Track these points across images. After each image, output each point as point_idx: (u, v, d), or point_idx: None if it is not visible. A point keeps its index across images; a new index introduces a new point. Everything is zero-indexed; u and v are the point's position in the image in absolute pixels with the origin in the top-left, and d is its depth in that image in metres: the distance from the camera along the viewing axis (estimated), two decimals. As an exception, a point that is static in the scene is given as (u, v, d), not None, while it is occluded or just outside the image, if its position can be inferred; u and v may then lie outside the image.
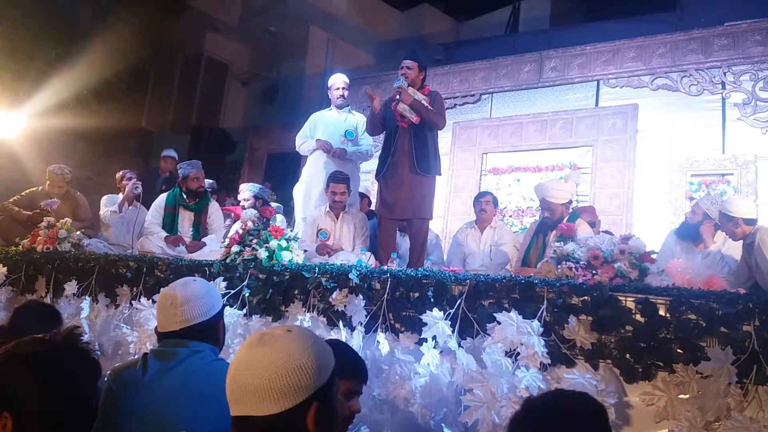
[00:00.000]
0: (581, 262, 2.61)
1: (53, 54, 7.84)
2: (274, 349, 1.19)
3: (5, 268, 4.54)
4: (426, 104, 4.26)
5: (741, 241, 3.91)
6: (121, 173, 5.85)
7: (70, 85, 7.79)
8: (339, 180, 4.61)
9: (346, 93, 5.16)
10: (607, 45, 6.83)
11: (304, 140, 5.21)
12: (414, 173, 4.22)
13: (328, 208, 4.69)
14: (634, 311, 2.33)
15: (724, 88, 6.07)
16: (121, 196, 5.66)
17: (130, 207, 5.54)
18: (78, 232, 4.69)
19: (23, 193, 5.62)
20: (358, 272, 3.06)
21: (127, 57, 8.54)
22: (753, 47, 6.00)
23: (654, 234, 4.98)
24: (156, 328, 2.05)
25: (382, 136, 4.57)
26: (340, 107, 5.16)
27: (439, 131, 4.49)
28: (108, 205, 5.61)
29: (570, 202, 4.22)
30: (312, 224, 4.73)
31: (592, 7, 10.05)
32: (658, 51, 6.51)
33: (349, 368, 1.94)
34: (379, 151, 4.55)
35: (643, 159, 6.32)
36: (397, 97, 4.26)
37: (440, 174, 4.44)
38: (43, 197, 5.44)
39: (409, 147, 4.23)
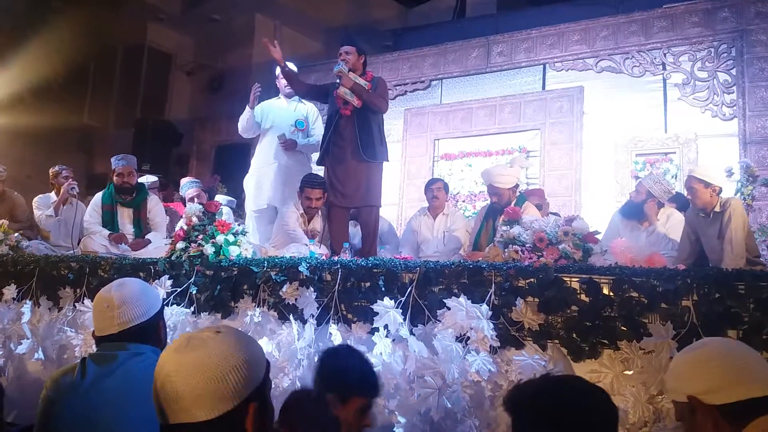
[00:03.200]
0: (527, 245, 2.63)
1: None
2: (204, 353, 1.14)
3: (-63, 275, 4.30)
4: (367, 88, 4.23)
5: (683, 218, 4.02)
6: (56, 169, 5.47)
7: (6, 82, 7.47)
8: (315, 185, 4.34)
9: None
10: (551, 29, 6.91)
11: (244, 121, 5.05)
12: (360, 160, 4.18)
13: (302, 211, 4.46)
14: (578, 291, 2.37)
15: (664, 69, 6.23)
16: (53, 194, 5.38)
17: (65, 206, 5.23)
18: (16, 234, 4.48)
19: (-44, 195, 5.34)
20: (308, 264, 3.02)
21: (64, 51, 8.20)
22: (691, 28, 6.16)
23: (602, 214, 5.10)
24: (93, 332, 1.98)
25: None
26: (288, 96, 5.07)
27: (385, 117, 4.46)
28: (41, 207, 5.21)
29: (517, 186, 4.27)
30: (283, 227, 4.53)
31: (537, -9, 10.15)
32: (602, 34, 6.63)
33: (368, 386, 1.96)
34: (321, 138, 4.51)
35: (589, 140, 6.45)
36: (338, 81, 4.23)
37: (387, 160, 4.40)
38: (-23, 199, 5.18)
39: (352, 133, 4.19)
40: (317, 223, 4.52)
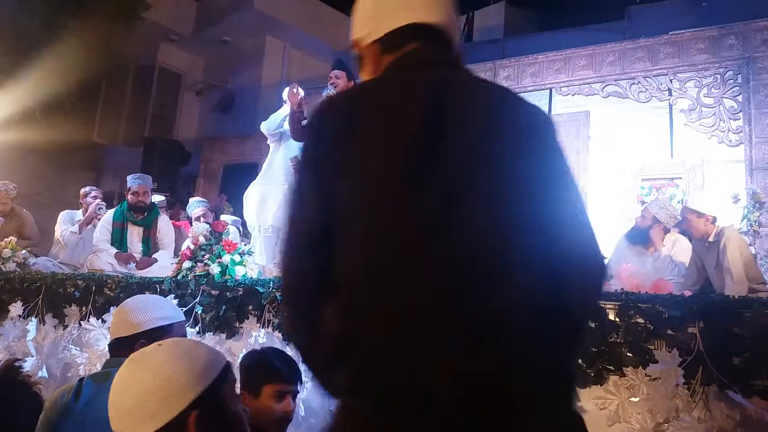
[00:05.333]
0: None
1: (0, 67, 7.58)
2: (141, 366, 1.18)
3: (-55, 290, 4.33)
4: None
5: (689, 244, 4.02)
6: (86, 189, 5.57)
7: (17, 99, 7.55)
8: None
9: (303, 108, 5.04)
10: (558, 54, 6.97)
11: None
12: None
13: None
14: (584, 317, 2.36)
15: (670, 94, 6.26)
16: (79, 212, 5.45)
17: (88, 226, 5.32)
18: (23, 251, 4.52)
19: (-35, 211, 5.38)
20: (313, 285, 3.02)
21: (76, 69, 8.30)
22: (697, 55, 6.20)
23: (608, 238, 5.08)
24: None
25: None
26: (299, 120, 5.08)
27: None
28: (66, 223, 5.30)
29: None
30: None
31: (544, 17, 10.29)
32: (608, 59, 6.68)
33: (275, 371, 2.01)
34: None
35: (595, 165, 6.46)
36: None
37: None
38: (-14, 215, 5.23)
39: None
40: None
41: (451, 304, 0.92)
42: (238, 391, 1.83)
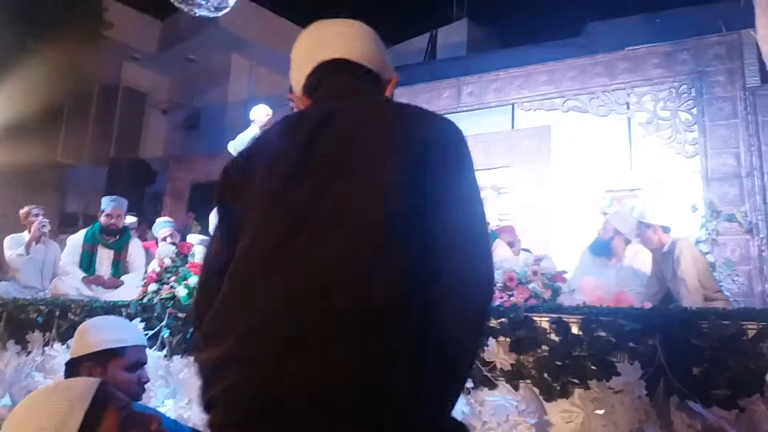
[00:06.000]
0: (498, 285, 2.68)
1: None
2: (19, 411, 1.17)
3: None
4: None
5: (651, 254, 4.13)
6: (26, 209, 5.41)
7: (-23, 121, 7.39)
8: None
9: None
10: (520, 70, 7.12)
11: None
12: None
13: None
14: (548, 331, 2.40)
15: (628, 108, 6.45)
16: (26, 234, 5.31)
17: (37, 246, 5.18)
18: (-17, 277, 4.40)
19: (-75, 236, 5.22)
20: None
21: (39, 89, 8.19)
22: (652, 69, 6.41)
23: (573, 249, 5.18)
24: None
25: None
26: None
27: None
28: (13, 248, 5.14)
29: (488, 223, 4.33)
30: None
31: (506, 34, 10.50)
32: (568, 75, 6.85)
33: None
34: None
35: (558, 178, 6.59)
36: None
37: None
38: (-53, 239, 5.08)
39: None
40: None
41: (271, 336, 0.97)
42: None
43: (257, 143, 1.24)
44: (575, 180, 6.48)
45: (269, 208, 1.07)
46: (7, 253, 5.18)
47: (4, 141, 8.05)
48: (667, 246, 3.79)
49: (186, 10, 3.90)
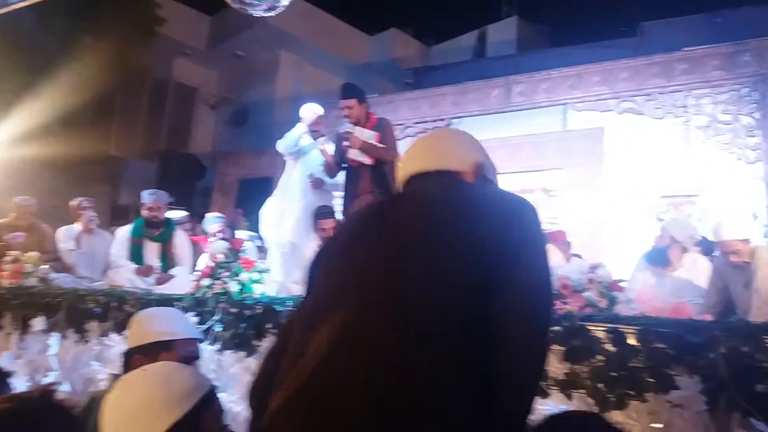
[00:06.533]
0: (552, 292, 2.63)
1: (19, 84, 7.72)
2: (124, 390, 1.23)
3: (-32, 305, 4.40)
4: (375, 141, 4.20)
5: (710, 264, 3.97)
6: (76, 202, 5.54)
7: (36, 114, 7.68)
8: (325, 215, 4.54)
9: (319, 127, 5.00)
10: (572, 70, 6.99)
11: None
12: None
13: (319, 242, 4.61)
14: (604, 340, 2.35)
15: (686, 111, 6.25)
16: (77, 225, 5.49)
17: (88, 238, 5.34)
18: (45, 266, 4.57)
19: (-13, 226, 5.46)
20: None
21: (93, 84, 8.46)
22: (711, 71, 6.20)
23: (625, 255, 5.06)
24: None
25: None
26: (315, 138, 5.09)
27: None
28: (65, 240, 5.33)
29: (540, 228, 4.25)
30: (302, 257, 4.63)
31: (557, 33, 10.34)
32: (623, 75, 6.69)
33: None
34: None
35: (611, 181, 6.44)
36: (346, 143, 4.24)
37: None
38: (8, 230, 5.28)
39: (369, 185, 4.21)
40: None
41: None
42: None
43: (344, 224, 1.46)
44: (629, 184, 6.32)
45: (334, 278, 1.25)
46: (60, 246, 5.37)
47: (59, 134, 8.34)
48: (747, 256, 3.59)
49: (240, 9, 3.95)
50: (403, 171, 1.50)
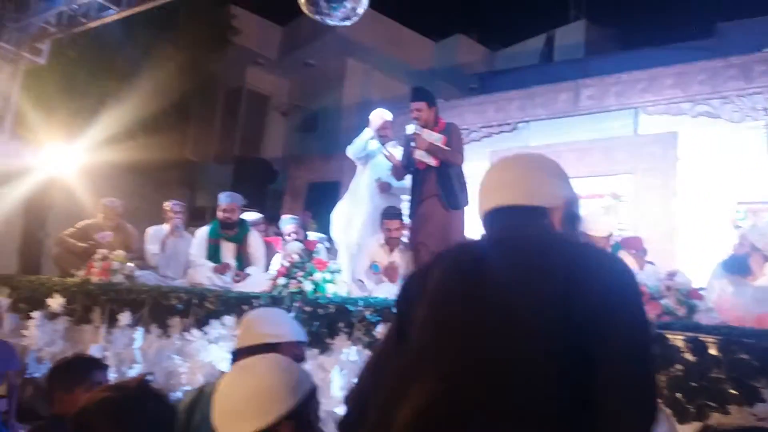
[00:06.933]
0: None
1: (104, 90, 8.18)
2: (244, 373, 1.32)
3: (63, 299, 4.72)
4: (442, 144, 4.25)
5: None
6: (169, 205, 5.83)
7: (119, 119, 8.09)
8: (391, 216, 4.64)
9: (387, 132, 5.07)
10: (644, 72, 6.81)
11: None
12: (443, 209, 4.27)
13: (383, 242, 4.74)
14: (683, 350, 2.32)
15: (766, 114, 5.99)
16: (165, 226, 5.79)
17: (173, 239, 5.63)
18: (130, 264, 4.85)
19: (78, 226, 5.79)
20: (402, 306, 3.10)
21: (172, 91, 8.85)
22: (795, 73, 5.93)
23: (699, 263, 4.91)
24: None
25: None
26: (382, 143, 5.16)
27: (470, 158, 4.52)
28: (152, 241, 5.63)
29: (611, 234, 4.20)
30: (366, 257, 4.76)
31: (626, 36, 10.08)
32: (698, 78, 6.47)
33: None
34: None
35: (685, 187, 6.25)
36: (413, 144, 4.31)
37: (468, 204, 4.43)
38: (97, 230, 5.62)
39: (435, 187, 4.26)
40: (396, 256, 4.66)
41: None
42: None
43: (437, 265, 1.34)
44: (704, 190, 6.11)
45: (426, 334, 1.20)
46: (147, 246, 5.68)
47: (140, 139, 8.78)
48: None
49: (318, 19, 4.09)
50: (486, 201, 1.40)
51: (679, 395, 2.27)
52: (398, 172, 4.68)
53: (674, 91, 6.58)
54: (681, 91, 6.54)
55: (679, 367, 2.30)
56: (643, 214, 6.33)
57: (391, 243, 4.70)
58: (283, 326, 2.12)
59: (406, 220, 4.66)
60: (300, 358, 2.08)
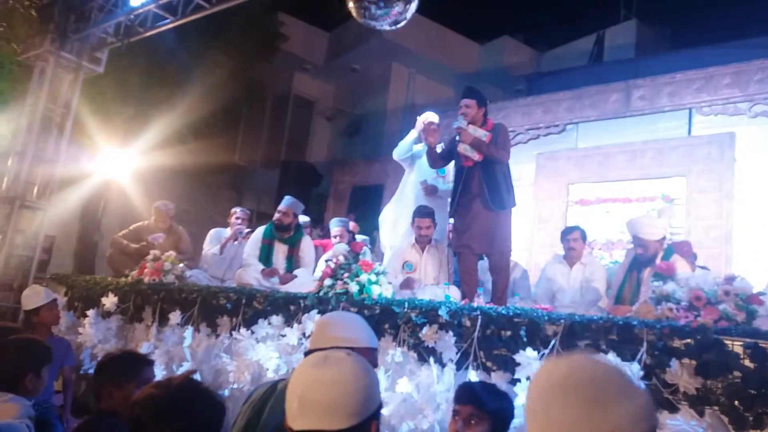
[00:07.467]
0: (683, 303, 2.53)
1: (157, 97, 8.43)
2: (342, 369, 1.28)
3: (116, 298, 4.88)
4: (486, 140, 4.24)
5: None
6: (235, 211, 6.03)
7: (171, 125, 8.32)
8: (423, 215, 4.67)
9: (435, 134, 5.12)
10: (698, 72, 6.60)
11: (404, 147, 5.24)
12: (488, 209, 4.22)
13: (414, 241, 4.76)
14: (742, 356, 2.23)
15: (830, 113, 5.72)
16: (227, 230, 5.94)
17: (232, 243, 5.78)
18: (181, 265, 4.98)
19: (131, 228, 6.01)
20: (447, 308, 3.09)
21: (222, 97, 9.07)
22: None
23: (756, 268, 4.72)
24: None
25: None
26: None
27: (516, 160, 4.47)
28: (213, 241, 5.81)
29: (664, 238, 4.08)
30: (398, 256, 4.80)
31: (678, 35, 9.80)
32: (756, 77, 6.23)
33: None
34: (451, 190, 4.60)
35: (742, 189, 6.01)
36: (457, 138, 4.31)
37: (515, 205, 4.39)
38: (149, 231, 5.81)
39: (479, 185, 4.24)
40: (429, 264, 4.65)
41: None
42: None
43: None
44: (763, 192, 5.86)
45: None
46: (206, 247, 5.83)
47: (190, 143, 9.01)
48: None
49: (366, 24, 4.13)
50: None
51: (736, 403, 2.19)
52: (433, 158, 4.65)
53: (731, 91, 6.36)
54: (738, 90, 6.31)
55: (737, 374, 2.23)
56: (697, 217, 6.12)
57: (421, 242, 4.72)
58: (358, 331, 2.04)
59: (449, 220, 4.65)
60: (373, 365, 1.92)
